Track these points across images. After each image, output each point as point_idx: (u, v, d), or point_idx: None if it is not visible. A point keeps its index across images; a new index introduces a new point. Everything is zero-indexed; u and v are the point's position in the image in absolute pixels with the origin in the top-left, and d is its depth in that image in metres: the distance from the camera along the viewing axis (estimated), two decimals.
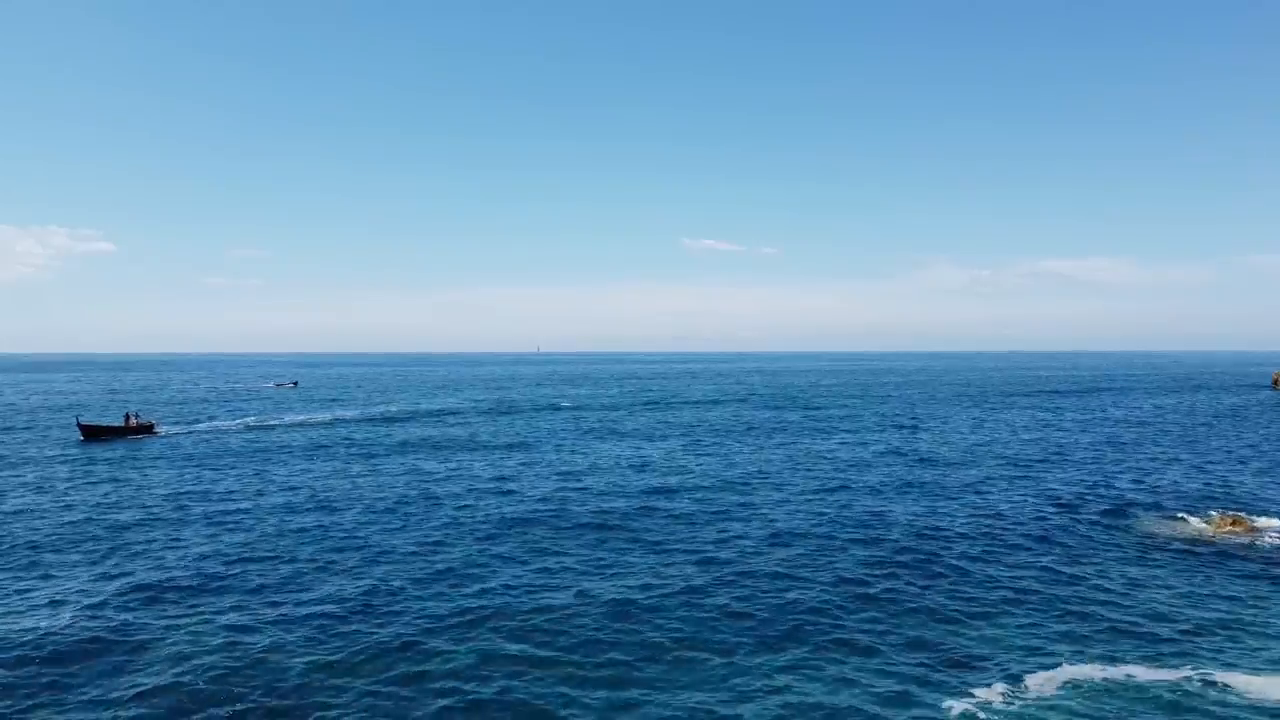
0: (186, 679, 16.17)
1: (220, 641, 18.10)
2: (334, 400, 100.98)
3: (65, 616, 19.76)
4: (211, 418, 74.57)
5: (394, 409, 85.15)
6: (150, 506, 32.96)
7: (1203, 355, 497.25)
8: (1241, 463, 43.87)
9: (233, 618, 19.62)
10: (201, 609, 20.32)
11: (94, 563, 24.68)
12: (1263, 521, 29.02)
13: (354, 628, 19.07)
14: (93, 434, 56.93)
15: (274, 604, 20.71)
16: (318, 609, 20.37)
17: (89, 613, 20.05)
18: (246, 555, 25.32)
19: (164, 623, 19.35)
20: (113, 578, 23.05)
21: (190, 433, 61.12)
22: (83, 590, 21.94)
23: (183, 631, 18.78)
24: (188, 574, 23.28)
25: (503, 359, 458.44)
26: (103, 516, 31.01)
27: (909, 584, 22.32)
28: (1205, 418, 69.26)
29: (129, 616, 19.78)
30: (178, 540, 27.35)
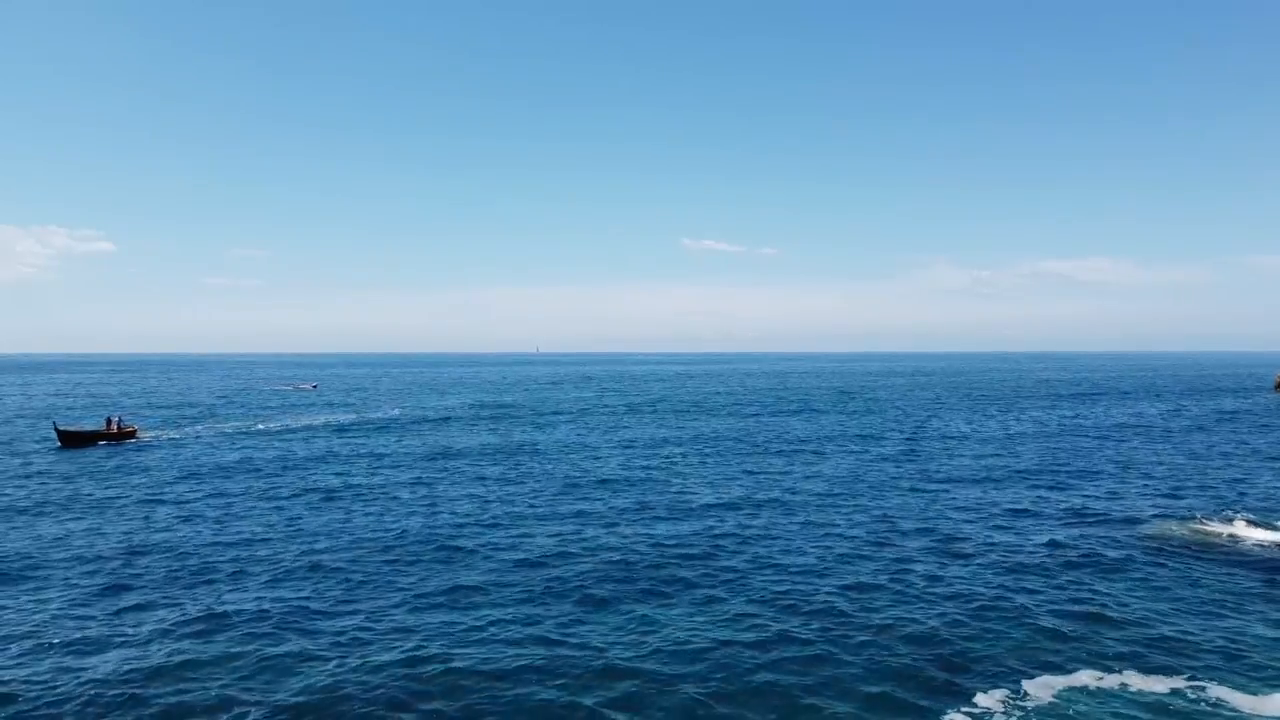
0: (180, 692, 16.33)
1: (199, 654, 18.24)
2: (328, 404, 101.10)
3: (35, 630, 19.88)
4: (201, 420, 74.50)
5: (396, 412, 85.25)
6: (122, 519, 31.53)
7: (1202, 356, 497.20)
8: (1248, 469, 43.68)
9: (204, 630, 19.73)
10: (178, 626, 20.42)
11: (59, 580, 23.84)
12: (1273, 530, 28.93)
13: (344, 637, 19.22)
14: (71, 440, 54.60)
15: (249, 625, 20.69)
16: (300, 624, 20.49)
17: (64, 626, 20.17)
18: (218, 572, 24.23)
19: (133, 637, 19.49)
20: (80, 600, 22.67)
21: (177, 438, 58.89)
22: (52, 607, 22.00)
23: (162, 645, 18.91)
24: (160, 592, 22.77)
25: (503, 359, 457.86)
26: (70, 532, 29.51)
27: (911, 588, 22.48)
28: (1209, 422, 69.12)
29: (102, 630, 19.90)
30: (149, 553, 26.37)
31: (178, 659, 17.62)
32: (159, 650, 18.17)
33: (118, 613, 20.71)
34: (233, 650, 18.14)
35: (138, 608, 21.06)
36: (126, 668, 17.20)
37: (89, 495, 36.72)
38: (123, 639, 18.85)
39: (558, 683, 16.56)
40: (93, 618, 20.34)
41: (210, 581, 23.34)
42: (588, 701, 15.72)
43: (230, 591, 22.40)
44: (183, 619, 20.13)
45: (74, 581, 23.41)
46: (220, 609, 20.77)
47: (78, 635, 19.06)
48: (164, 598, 21.90)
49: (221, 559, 25.72)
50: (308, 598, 21.89)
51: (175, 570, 24.51)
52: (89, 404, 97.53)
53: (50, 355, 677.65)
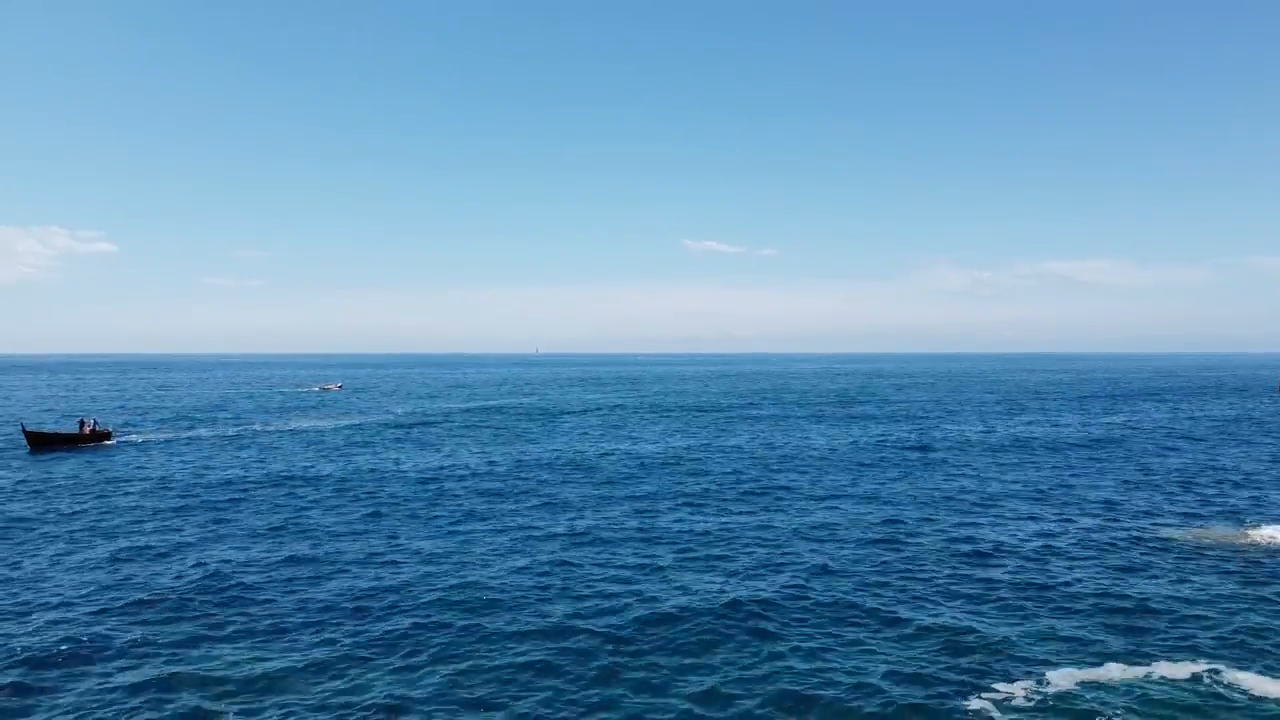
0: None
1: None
2: (322, 406, 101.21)
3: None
4: (188, 423, 74.06)
5: (398, 413, 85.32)
6: (92, 527, 29.76)
7: (1203, 358, 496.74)
8: (1262, 472, 43.27)
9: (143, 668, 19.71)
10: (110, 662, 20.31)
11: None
12: None
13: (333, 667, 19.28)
14: (41, 442, 52.08)
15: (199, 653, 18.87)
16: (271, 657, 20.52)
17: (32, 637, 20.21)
18: (171, 585, 22.49)
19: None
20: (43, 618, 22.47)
21: (157, 442, 55.84)
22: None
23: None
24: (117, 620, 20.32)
25: (504, 360, 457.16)
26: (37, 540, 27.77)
27: (932, 584, 22.64)
28: (1218, 427, 68.32)
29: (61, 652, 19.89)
30: (94, 565, 24.80)
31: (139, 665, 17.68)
32: (119, 658, 18.24)
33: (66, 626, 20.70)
34: (212, 660, 18.19)
35: (80, 621, 20.95)
36: (98, 679, 17.25)
37: (46, 501, 34.54)
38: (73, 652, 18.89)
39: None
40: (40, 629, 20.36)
41: (163, 594, 22.11)
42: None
43: (188, 606, 21.62)
44: (141, 633, 20.12)
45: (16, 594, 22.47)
46: (181, 626, 20.25)
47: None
48: (111, 614, 21.38)
49: (175, 572, 24.16)
50: (288, 612, 21.88)
51: (124, 581, 23.32)
52: (83, 405, 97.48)
53: (51, 356, 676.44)
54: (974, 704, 15.19)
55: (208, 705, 15.21)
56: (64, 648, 17.81)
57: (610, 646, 18.01)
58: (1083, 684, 15.99)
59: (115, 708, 15.10)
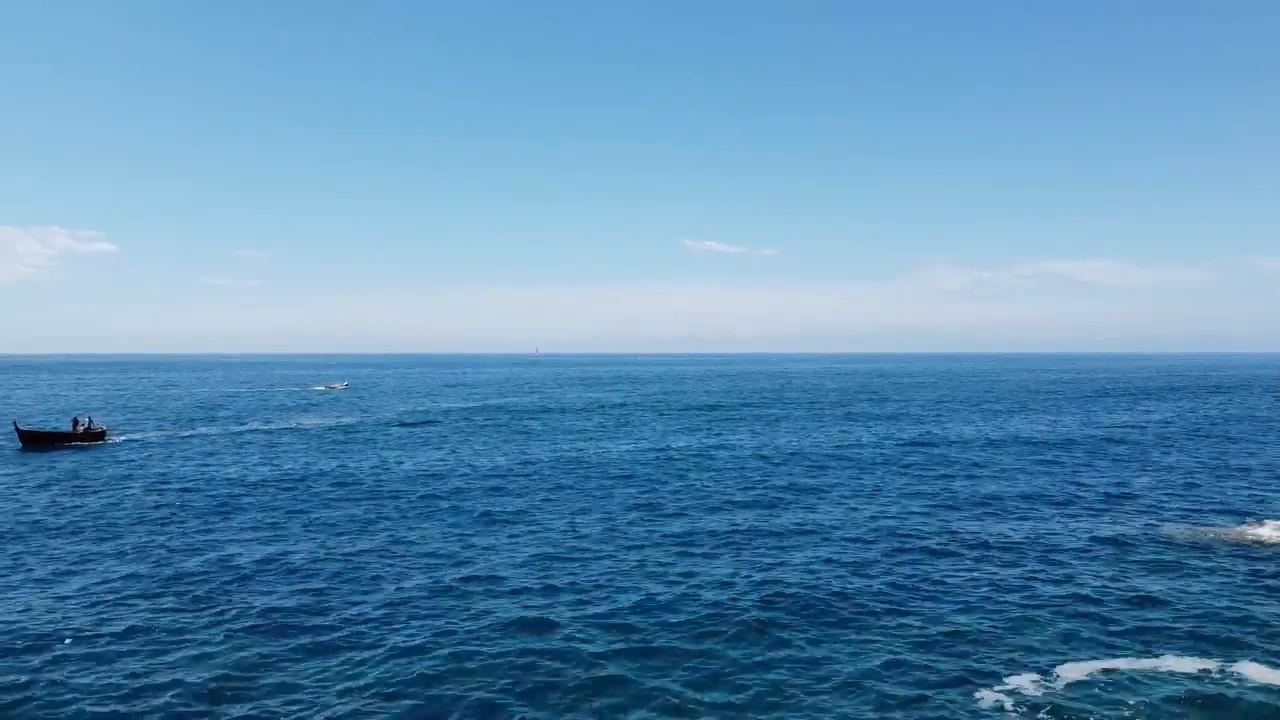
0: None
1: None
2: (323, 404, 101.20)
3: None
4: (186, 422, 74.28)
5: (399, 410, 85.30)
6: (92, 522, 29.43)
7: (1203, 358, 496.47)
8: (1262, 470, 43.02)
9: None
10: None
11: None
12: None
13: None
14: (34, 440, 51.95)
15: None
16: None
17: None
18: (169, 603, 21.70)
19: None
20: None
21: (153, 441, 55.07)
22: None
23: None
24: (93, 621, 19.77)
25: (504, 360, 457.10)
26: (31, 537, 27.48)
27: (937, 581, 22.62)
28: (1218, 425, 68.33)
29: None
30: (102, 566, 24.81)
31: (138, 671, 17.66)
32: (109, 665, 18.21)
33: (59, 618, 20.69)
34: (202, 663, 18.18)
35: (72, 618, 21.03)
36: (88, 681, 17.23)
37: (42, 497, 34.24)
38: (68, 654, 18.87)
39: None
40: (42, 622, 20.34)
41: (157, 593, 22.37)
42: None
43: (181, 610, 21.74)
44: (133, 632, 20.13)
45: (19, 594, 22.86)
46: (170, 625, 20.31)
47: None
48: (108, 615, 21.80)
49: (176, 566, 24.50)
50: (281, 616, 21.88)
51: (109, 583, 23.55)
52: (83, 405, 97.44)
53: (51, 356, 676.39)
54: (980, 697, 15.17)
55: (208, 695, 15.21)
56: (67, 640, 17.85)
57: (611, 639, 18.01)
58: (1088, 678, 15.97)
59: (118, 698, 15.10)
